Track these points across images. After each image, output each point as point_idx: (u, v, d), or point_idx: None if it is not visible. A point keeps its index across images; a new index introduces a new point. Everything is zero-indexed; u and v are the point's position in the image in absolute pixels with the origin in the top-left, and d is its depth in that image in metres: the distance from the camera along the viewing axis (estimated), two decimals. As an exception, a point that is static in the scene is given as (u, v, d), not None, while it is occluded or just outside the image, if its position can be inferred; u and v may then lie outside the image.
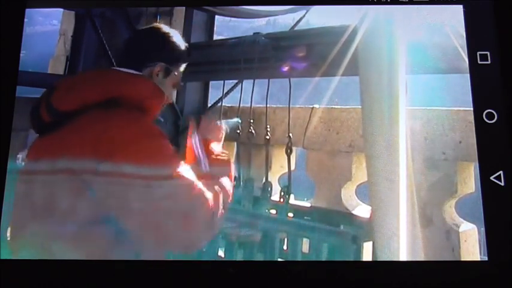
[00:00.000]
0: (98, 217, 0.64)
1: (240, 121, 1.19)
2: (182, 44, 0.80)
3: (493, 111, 0.56)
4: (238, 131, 1.25)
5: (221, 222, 0.74)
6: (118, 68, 0.75)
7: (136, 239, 0.65)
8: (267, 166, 1.30)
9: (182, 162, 0.70)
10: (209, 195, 0.69)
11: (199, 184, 0.69)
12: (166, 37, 0.78)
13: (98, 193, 0.63)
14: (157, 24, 0.82)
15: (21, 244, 0.65)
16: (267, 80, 1.25)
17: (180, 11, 1.55)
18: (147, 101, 0.72)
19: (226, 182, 0.76)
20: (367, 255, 1.02)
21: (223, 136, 0.88)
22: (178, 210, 0.66)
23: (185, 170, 0.68)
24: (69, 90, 0.70)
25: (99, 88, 0.70)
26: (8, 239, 0.65)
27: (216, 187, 0.72)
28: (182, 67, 0.81)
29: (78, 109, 0.68)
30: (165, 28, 0.80)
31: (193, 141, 0.80)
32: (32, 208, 0.65)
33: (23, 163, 0.70)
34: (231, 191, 0.76)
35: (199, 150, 0.79)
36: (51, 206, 0.64)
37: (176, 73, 0.79)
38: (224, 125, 0.90)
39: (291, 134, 1.24)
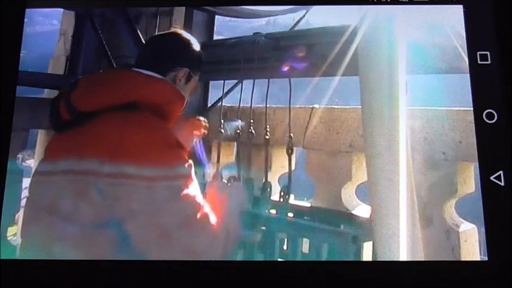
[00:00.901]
0: (109, 220, 0.63)
1: (241, 123, 1.19)
2: (200, 51, 0.81)
3: (493, 111, 0.56)
4: (238, 131, 1.26)
5: (226, 250, 0.72)
6: (140, 70, 0.74)
7: (141, 242, 0.64)
8: (267, 166, 1.30)
9: (194, 179, 0.68)
10: (213, 220, 0.68)
11: (207, 208, 0.68)
12: (189, 44, 0.79)
13: (109, 196, 0.63)
14: (177, 30, 0.82)
15: (34, 245, 0.65)
16: (267, 80, 1.25)
17: (180, 11, 1.55)
18: (169, 105, 0.72)
19: (237, 220, 0.76)
20: (367, 255, 1.02)
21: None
22: (181, 227, 0.65)
23: (195, 188, 0.67)
24: (90, 90, 0.70)
25: (120, 90, 0.70)
26: (13, 238, 0.65)
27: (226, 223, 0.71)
28: (199, 73, 0.81)
29: (97, 110, 0.68)
30: (186, 34, 0.80)
31: (197, 147, 0.79)
32: (46, 209, 0.65)
33: (41, 163, 0.69)
34: (239, 229, 0.75)
35: (202, 155, 0.79)
36: (63, 206, 0.64)
37: (195, 79, 0.80)
38: (226, 127, 0.91)
39: (292, 134, 1.24)
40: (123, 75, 0.76)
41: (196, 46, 0.80)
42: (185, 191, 0.65)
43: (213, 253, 0.67)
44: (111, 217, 0.63)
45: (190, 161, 0.70)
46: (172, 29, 0.83)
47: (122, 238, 0.63)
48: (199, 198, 0.67)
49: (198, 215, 0.66)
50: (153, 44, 0.87)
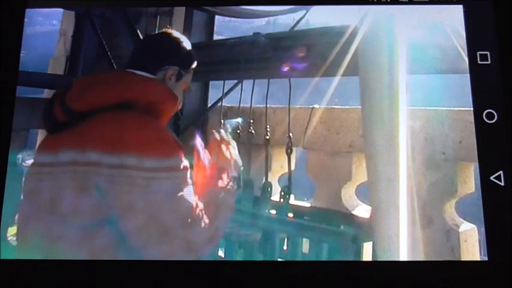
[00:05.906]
0: (106, 218, 0.64)
1: (240, 121, 1.19)
2: (191, 49, 0.81)
3: (493, 111, 0.56)
4: (238, 131, 1.26)
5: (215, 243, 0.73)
6: (133, 71, 0.75)
7: (139, 239, 0.65)
8: (267, 166, 1.30)
9: (189, 179, 0.69)
10: (206, 220, 0.69)
11: (201, 206, 0.69)
12: (178, 42, 0.80)
13: (105, 194, 0.64)
14: (167, 29, 0.84)
15: (29, 244, 0.65)
16: (267, 80, 1.25)
17: (180, 11, 1.55)
18: (161, 105, 0.72)
19: (228, 205, 0.76)
20: (367, 255, 1.02)
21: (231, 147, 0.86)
22: (178, 224, 0.66)
23: (189, 189, 0.68)
24: (84, 91, 0.71)
25: (114, 90, 0.70)
26: (13, 239, 0.65)
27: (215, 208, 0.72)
28: (191, 71, 0.82)
29: (92, 110, 0.68)
30: (175, 33, 0.81)
31: (201, 155, 0.80)
32: (40, 207, 0.65)
33: (32, 159, 0.70)
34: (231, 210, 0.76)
35: (203, 154, 0.79)
36: (59, 205, 0.64)
37: (187, 77, 0.80)
38: (227, 125, 0.90)
39: (291, 134, 1.24)
40: (118, 76, 0.78)
41: (187, 44, 0.80)
42: (181, 191, 0.67)
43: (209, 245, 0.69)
44: (109, 214, 0.64)
45: (186, 162, 0.71)
46: (164, 30, 0.85)
47: (120, 236, 0.63)
48: (193, 198, 0.68)
49: (195, 210, 0.67)
50: (144, 43, 0.90)
